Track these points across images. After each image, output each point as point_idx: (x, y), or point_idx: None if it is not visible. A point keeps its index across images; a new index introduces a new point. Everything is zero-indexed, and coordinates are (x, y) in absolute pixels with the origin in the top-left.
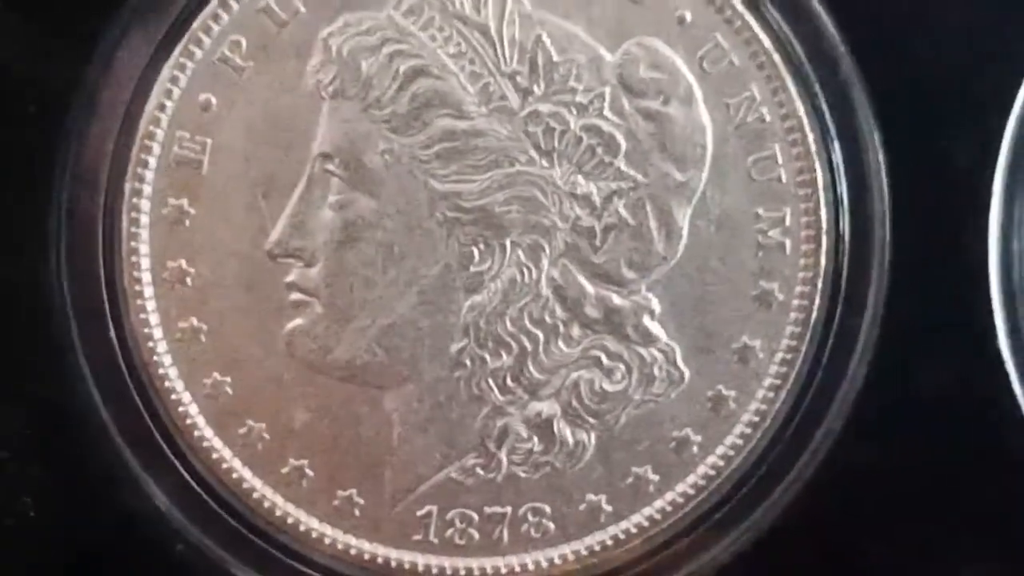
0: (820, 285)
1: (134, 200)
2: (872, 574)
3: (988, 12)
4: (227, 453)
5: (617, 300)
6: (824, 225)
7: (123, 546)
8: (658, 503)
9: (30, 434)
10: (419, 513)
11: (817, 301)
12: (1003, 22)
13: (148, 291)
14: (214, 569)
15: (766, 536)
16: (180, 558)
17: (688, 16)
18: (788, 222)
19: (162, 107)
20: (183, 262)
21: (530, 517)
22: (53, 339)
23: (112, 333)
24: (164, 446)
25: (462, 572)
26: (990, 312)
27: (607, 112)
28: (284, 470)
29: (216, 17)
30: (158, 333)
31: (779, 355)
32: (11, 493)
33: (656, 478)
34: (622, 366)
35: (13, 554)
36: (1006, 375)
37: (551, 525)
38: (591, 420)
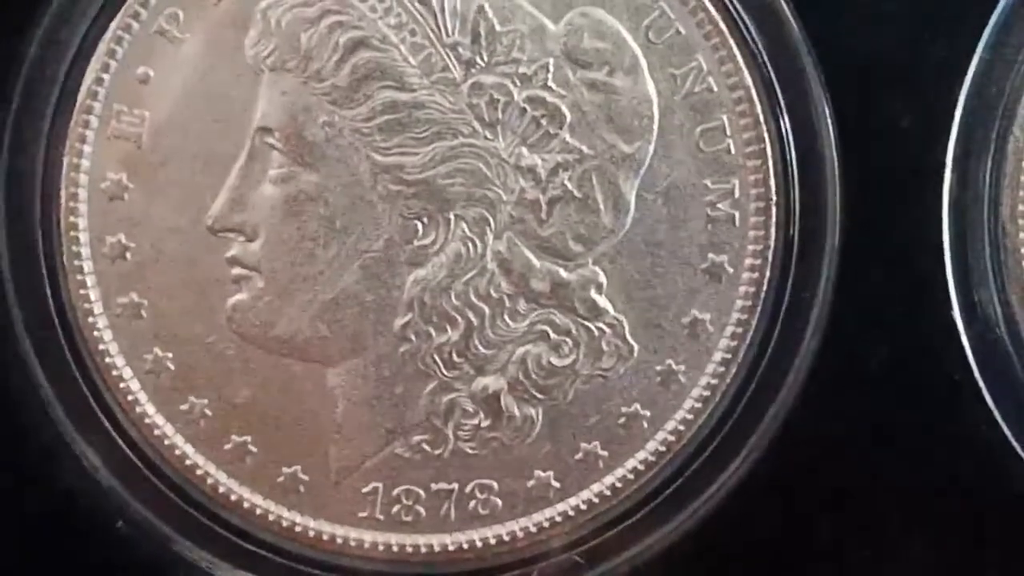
0: (771, 257)
1: (72, 175)
2: (821, 548)
3: None
4: (169, 429)
5: (564, 274)
6: (774, 196)
7: (65, 522)
8: (607, 479)
9: None
10: (364, 490)
11: (768, 274)
12: None
13: (87, 266)
14: (156, 545)
15: (716, 514)
16: (122, 534)
17: None
18: (737, 194)
19: (100, 81)
20: (122, 236)
21: (477, 494)
22: None
23: (52, 308)
24: (105, 422)
25: (408, 549)
26: (945, 283)
27: (551, 83)
28: (227, 446)
29: None
30: (98, 308)
31: (729, 329)
32: None
33: (605, 454)
34: (569, 340)
35: None
36: (961, 347)
37: (499, 502)
38: (539, 395)
